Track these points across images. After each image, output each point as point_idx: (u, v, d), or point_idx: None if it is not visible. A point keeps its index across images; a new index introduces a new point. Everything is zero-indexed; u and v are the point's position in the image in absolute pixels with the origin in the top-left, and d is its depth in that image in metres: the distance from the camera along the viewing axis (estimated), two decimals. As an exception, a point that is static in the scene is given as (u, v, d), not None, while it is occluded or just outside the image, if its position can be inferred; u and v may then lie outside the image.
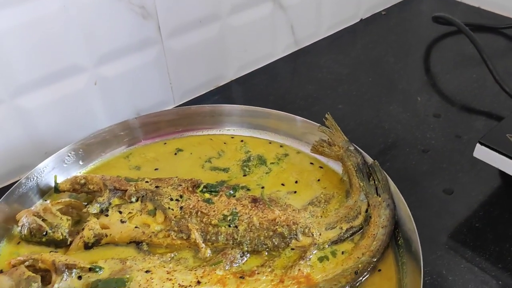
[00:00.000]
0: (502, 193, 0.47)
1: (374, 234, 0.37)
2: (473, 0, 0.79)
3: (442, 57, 0.68)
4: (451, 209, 0.46)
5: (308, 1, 0.68)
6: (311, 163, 0.45)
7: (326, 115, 0.45)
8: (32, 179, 0.43)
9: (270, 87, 0.64)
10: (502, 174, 0.47)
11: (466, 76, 0.63)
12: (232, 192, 0.41)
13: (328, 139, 0.44)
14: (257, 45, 0.66)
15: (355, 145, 0.43)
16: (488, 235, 0.43)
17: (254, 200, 0.40)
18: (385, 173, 0.41)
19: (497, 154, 0.42)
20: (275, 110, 0.48)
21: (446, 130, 0.55)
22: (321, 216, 0.39)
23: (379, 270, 0.36)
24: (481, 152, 0.43)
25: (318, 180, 0.43)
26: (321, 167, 0.45)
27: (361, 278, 0.35)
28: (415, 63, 0.67)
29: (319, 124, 0.45)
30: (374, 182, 0.40)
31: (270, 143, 0.47)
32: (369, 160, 0.42)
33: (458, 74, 0.64)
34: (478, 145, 0.43)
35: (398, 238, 0.38)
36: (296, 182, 0.43)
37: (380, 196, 0.39)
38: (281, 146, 0.47)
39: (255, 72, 0.66)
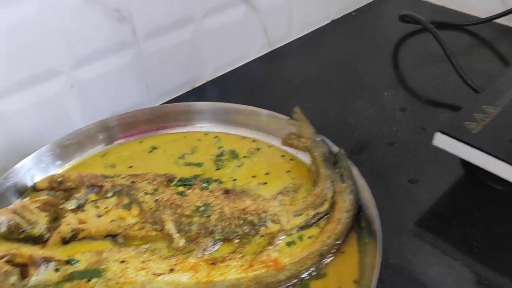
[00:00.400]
0: (464, 181, 0.50)
1: (339, 219, 0.39)
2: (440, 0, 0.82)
3: (409, 54, 0.71)
4: (416, 198, 0.48)
5: (280, 3, 0.70)
6: (282, 156, 0.47)
7: (294, 109, 0.47)
8: (9, 179, 0.44)
9: (244, 87, 0.66)
10: (464, 162, 0.49)
11: (431, 71, 0.66)
12: (205, 185, 0.43)
13: (296, 131, 0.46)
14: (231, 46, 0.68)
15: (322, 136, 0.45)
16: (452, 221, 0.46)
17: (226, 192, 0.42)
18: (349, 161, 0.43)
19: (455, 141, 0.45)
20: (246, 106, 0.50)
21: (412, 123, 0.58)
22: (290, 204, 0.41)
23: (343, 252, 0.38)
24: (440, 141, 0.46)
25: (288, 171, 0.45)
26: (291, 159, 0.47)
27: (325, 260, 0.37)
28: (383, 61, 0.70)
29: (288, 117, 0.47)
30: (340, 170, 0.42)
31: (243, 138, 0.49)
32: (335, 149, 0.44)
33: (423, 70, 0.67)
34: (437, 134, 0.46)
35: (361, 221, 0.40)
36: (267, 173, 0.45)
37: (344, 183, 0.41)
38: (253, 141, 0.49)
39: (230, 73, 0.68)
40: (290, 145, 0.46)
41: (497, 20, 0.73)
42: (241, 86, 0.66)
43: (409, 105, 0.61)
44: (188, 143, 0.49)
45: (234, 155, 0.47)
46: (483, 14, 0.75)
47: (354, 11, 0.82)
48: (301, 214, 0.40)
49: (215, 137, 0.49)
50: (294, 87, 0.65)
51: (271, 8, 0.69)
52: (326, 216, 0.40)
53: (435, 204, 0.48)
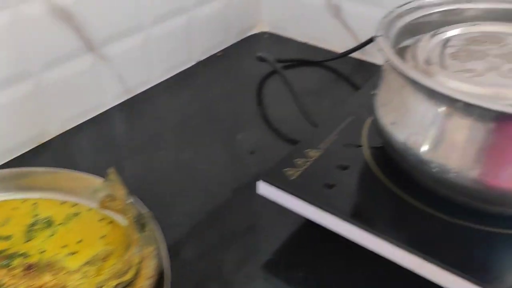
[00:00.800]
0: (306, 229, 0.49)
1: (140, 286, 0.37)
2: (302, 36, 0.84)
3: (267, 94, 0.72)
4: (256, 246, 0.47)
5: (135, 49, 0.69)
6: (100, 220, 0.45)
7: (109, 170, 0.45)
8: None
9: (98, 140, 0.63)
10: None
11: (286, 110, 0.67)
12: (6, 262, 0.40)
13: (111, 193, 0.44)
14: (82, 97, 0.65)
15: (134, 198, 0.44)
16: (293, 272, 0.45)
17: (29, 267, 0.39)
18: (155, 223, 0.42)
19: (274, 189, 0.44)
20: (64, 170, 0.48)
21: (259, 167, 0.57)
22: (95, 275, 0.38)
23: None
24: (264, 189, 0.45)
25: (103, 236, 0.43)
26: (110, 223, 0.45)
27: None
28: (243, 102, 0.70)
29: (103, 179, 0.45)
30: (148, 233, 0.41)
31: (63, 203, 0.46)
32: (144, 211, 0.43)
33: (277, 109, 0.68)
34: (259, 182, 0.45)
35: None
36: (80, 241, 0.42)
37: (150, 247, 0.39)
38: (73, 205, 0.46)
39: (84, 124, 0.66)
40: (107, 208, 0.44)
41: (352, 55, 0.76)
42: (94, 138, 0.63)
43: (259, 147, 0.61)
44: (1, 214, 0.45)
45: (48, 223, 0.44)
46: (341, 49, 0.78)
47: (220, 51, 0.82)
48: (103, 286, 0.37)
49: (34, 203, 0.46)
50: (154, 136, 0.63)
51: (125, 54, 0.68)
52: (129, 285, 0.38)
53: (275, 254, 0.47)
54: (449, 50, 0.40)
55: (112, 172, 0.45)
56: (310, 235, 0.48)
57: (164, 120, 0.67)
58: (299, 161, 0.47)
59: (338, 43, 0.79)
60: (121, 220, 0.44)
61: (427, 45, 0.41)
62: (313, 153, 0.47)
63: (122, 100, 0.70)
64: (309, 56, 0.79)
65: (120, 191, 0.43)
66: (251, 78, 0.75)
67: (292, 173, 0.45)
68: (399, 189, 0.44)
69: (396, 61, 0.36)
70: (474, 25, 0.44)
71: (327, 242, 0.46)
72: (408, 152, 0.40)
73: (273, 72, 0.75)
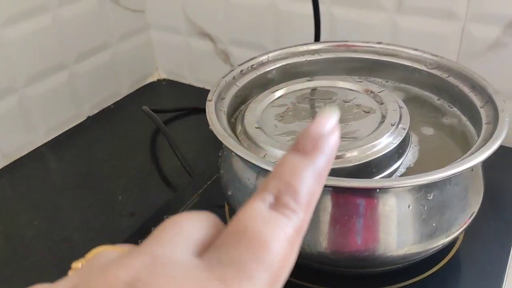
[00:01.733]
0: None
1: None
2: (198, 82, 0.83)
3: (159, 148, 0.69)
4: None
5: (10, 112, 0.65)
6: None
7: None
8: None
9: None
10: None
11: (174, 165, 0.65)
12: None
13: None
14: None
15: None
16: None
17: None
18: None
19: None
20: None
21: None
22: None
23: None
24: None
25: None
26: None
27: None
28: (130, 159, 0.67)
29: None
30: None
31: None
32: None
33: (166, 165, 0.65)
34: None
35: None
36: None
37: None
38: None
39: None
40: None
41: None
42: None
43: (140, 208, 0.58)
44: None
45: None
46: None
47: (113, 104, 0.79)
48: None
49: None
50: (32, 205, 0.59)
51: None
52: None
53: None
54: (277, 110, 0.39)
55: None
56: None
57: (41, 187, 0.63)
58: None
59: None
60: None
61: (257, 106, 0.40)
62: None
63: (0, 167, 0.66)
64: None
65: None
66: (142, 132, 0.72)
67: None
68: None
69: (216, 128, 0.35)
70: (310, 80, 0.43)
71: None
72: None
73: (166, 122, 0.73)
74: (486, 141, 0.34)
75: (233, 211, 0.41)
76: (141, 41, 0.82)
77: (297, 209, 0.17)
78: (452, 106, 0.45)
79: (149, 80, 0.86)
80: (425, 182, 0.31)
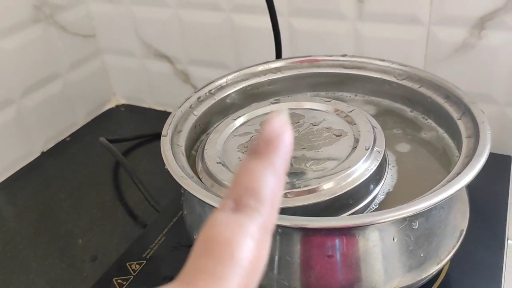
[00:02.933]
0: None
1: None
2: (159, 105, 0.79)
3: (120, 181, 0.64)
4: None
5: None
6: None
7: None
8: None
9: None
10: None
11: (136, 199, 0.60)
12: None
13: None
14: None
15: None
16: None
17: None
18: None
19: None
20: None
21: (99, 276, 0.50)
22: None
23: None
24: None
25: None
26: None
27: None
28: (88, 197, 0.62)
29: None
30: None
31: None
32: None
33: (128, 198, 0.61)
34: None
35: None
36: None
37: None
38: None
39: None
40: None
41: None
42: None
43: (103, 250, 0.53)
44: None
45: None
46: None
47: (69, 136, 0.74)
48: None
49: None
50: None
51: None
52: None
53: None
54: (241, 140, 0.36)
55: None
56: None
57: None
58: (118, 279, 0.40)
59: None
60: None
61: (218, 137, 0.36)
62: (136, 266, 0.41)
63: None
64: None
65: None
66: (102, 164, 0.67)
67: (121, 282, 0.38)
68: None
69: (172, 168, 0.31)
70: (274, 102, 0.40)
71: None
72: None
73: (126, 152, 0.68)
74: (469, 157, 0.32)
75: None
76: (94, 67, 0.77)
77: (259, 207, 0.17)
78: (426, 118, 0.42)
79: (107, 107, 0.81)
80: (409, 214, 0.27)
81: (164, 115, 0.77)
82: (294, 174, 0.32)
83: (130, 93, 0.81)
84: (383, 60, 0.45)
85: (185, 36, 0.69)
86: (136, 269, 0.40)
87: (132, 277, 0.39)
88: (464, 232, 0.35)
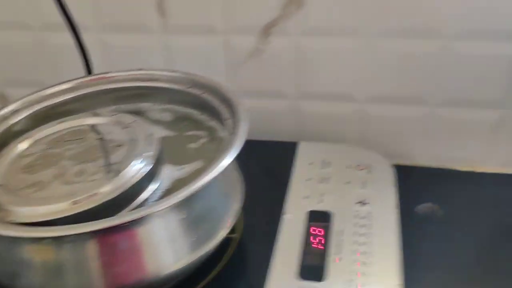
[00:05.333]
0: None
1: None
2: None
3: None
4: None
5: None
6: None
7: None
8: None
9: None
10: None
11: None
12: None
13: None
14: None
15: None
16: None
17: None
18: None
19: None
20: None
21: None
22: None
23: None
24: None
25: None
26: None
27: None
28: None
29: None
30: None
31: None
32: None
33: None
34: None
35: None
36: None
37: None
38: None
39: None
40: None
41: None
42: None
43: None
44: None
45: None
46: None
47: None
48: None
49: None
50: None
51: None
52: None
53: None
54: (24, 161, 0.38)
55: None
56: None
57: None
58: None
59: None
60: None
61: (5, 160, 0.38)
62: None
63: None
64: None
65: None
66: None
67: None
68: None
69: None
70: (61, 122, 0.42)
71: None
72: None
73: None
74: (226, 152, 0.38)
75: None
76: None
77: None
78: (212, 119, 0.48)
79: None
80: (166, 206, 0.33)
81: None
82: (76, 184, 0.36)
83: None
84: (174, 71, 0.50)
85: (-2, 57, 0.68)
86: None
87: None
88: (239, 210, 0.42)
